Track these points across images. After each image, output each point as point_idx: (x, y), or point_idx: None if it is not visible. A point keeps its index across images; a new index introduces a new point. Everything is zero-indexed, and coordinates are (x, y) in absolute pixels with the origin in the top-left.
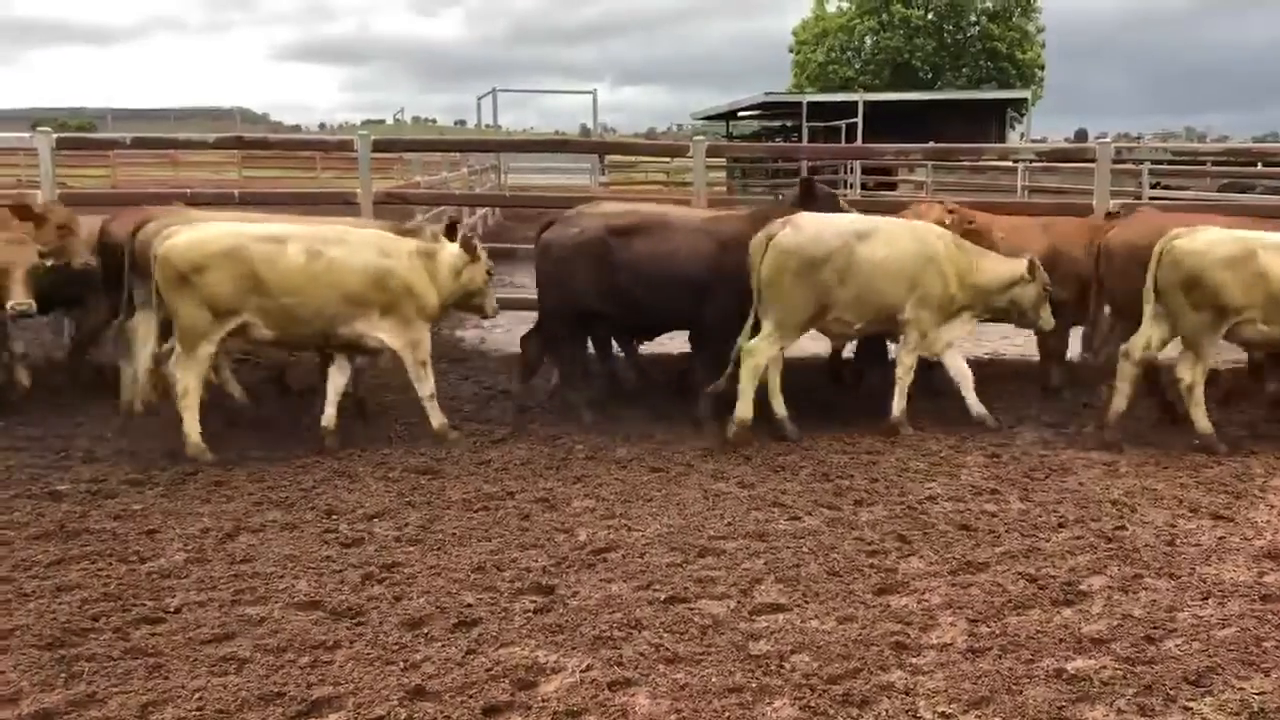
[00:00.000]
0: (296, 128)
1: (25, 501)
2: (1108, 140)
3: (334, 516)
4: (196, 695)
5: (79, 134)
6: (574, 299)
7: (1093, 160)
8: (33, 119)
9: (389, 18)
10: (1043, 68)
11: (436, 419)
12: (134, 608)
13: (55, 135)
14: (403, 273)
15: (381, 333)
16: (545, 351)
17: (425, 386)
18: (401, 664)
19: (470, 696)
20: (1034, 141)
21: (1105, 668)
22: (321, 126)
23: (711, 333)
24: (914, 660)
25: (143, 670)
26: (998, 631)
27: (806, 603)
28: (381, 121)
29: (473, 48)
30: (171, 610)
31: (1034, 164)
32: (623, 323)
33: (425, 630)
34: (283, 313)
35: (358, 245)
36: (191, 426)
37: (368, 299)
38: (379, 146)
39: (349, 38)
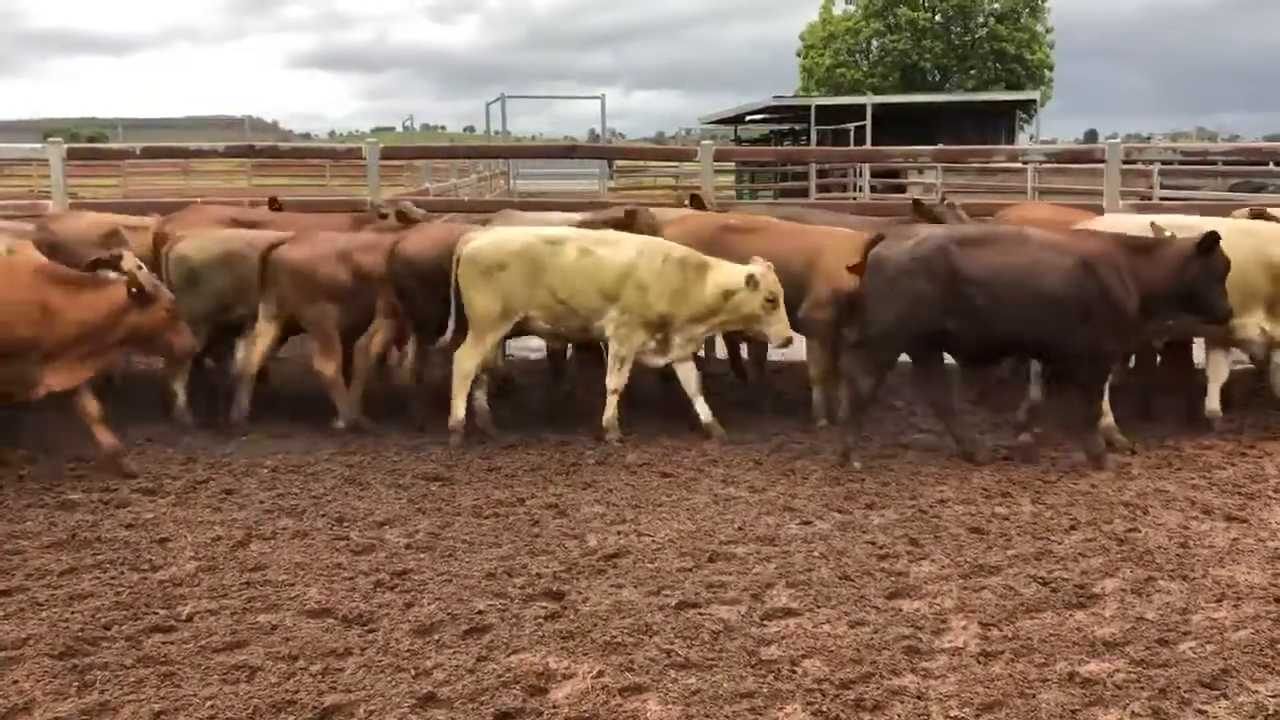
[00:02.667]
0: (306, 136)
1: (38, 511)
2: (1117, 141)
3: (345, 524)
4: (209, 703)
5: (90, 144)
6: (914, 318)
7: (1102, 161)
8: (44, 130)
9: (406, 25)
10: (1051, 68)
11: (611, 412)
12: (146, 616)
13: (66, 146)
14: (643, 274)
15: (607, 321)
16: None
17: (615, 380)
18: (413, 671)
19: (481, 703)
20: (1044, 143)
21: (1119, 671)
22: (332, 135)
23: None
24: (926, 664)
25: (155, 679)
26: (1010, 635)
27: (818, 607)
28: (391, 129)
29: (489, 54)
30: (183, 618)
31: (1043, 165)
32: (967, 345)
33: (436, 637)
34: (559, 306)
35: (623, 247)
36: (458, 407)
37: (613, 293)
38: (388, 154)
39: (366, 46)
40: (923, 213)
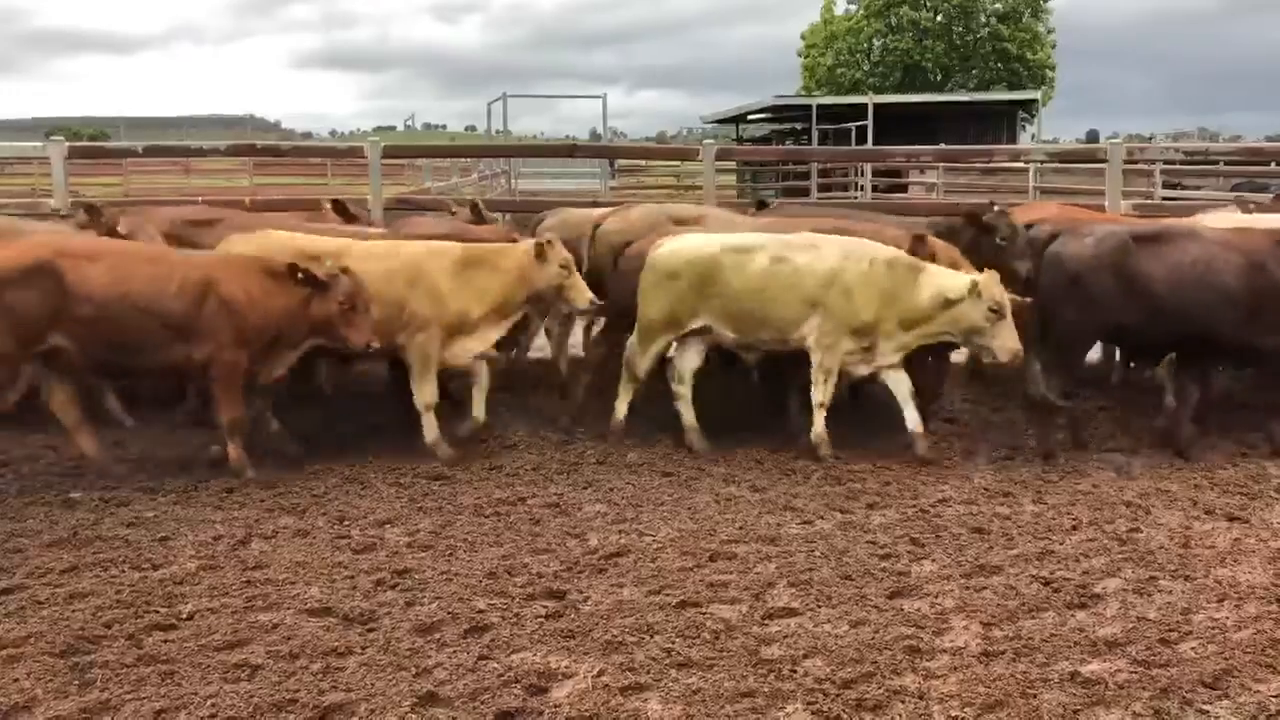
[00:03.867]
0: (308, 135)
1: (39, 509)
2: (1119, 141)
3: (345, 523)
4: (209, 702)
5: (91, 143)
6: (1096, 315)
7: (1104, 161)
8: (47, 129)
9: (409, 25)
10: (1053, 69)
11: (819, 427)
12: (147, 615)
13: (68, 144)
14: (849, 277)
15: (809, 329)
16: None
17: (820, 393)
18: (413, 670)
19: (482, 702)
20: (1045, 143)
21: (1120, 671)
22: (333, 134)
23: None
24: (927, 664)
25: (156, 677)
26: (1011, 635)
27: (819, 607)
28: (393, 128)
29: (493, 54)
30: (184, 617)
31: (1045, 165)
32: (1140, 340)
33: (437, 636)
34: (746, 317)
35: (825, 252)
36: (621, 409)
37: (816, 300)
38: (389, 153)
39: (369, 45)
40: (973, 219)
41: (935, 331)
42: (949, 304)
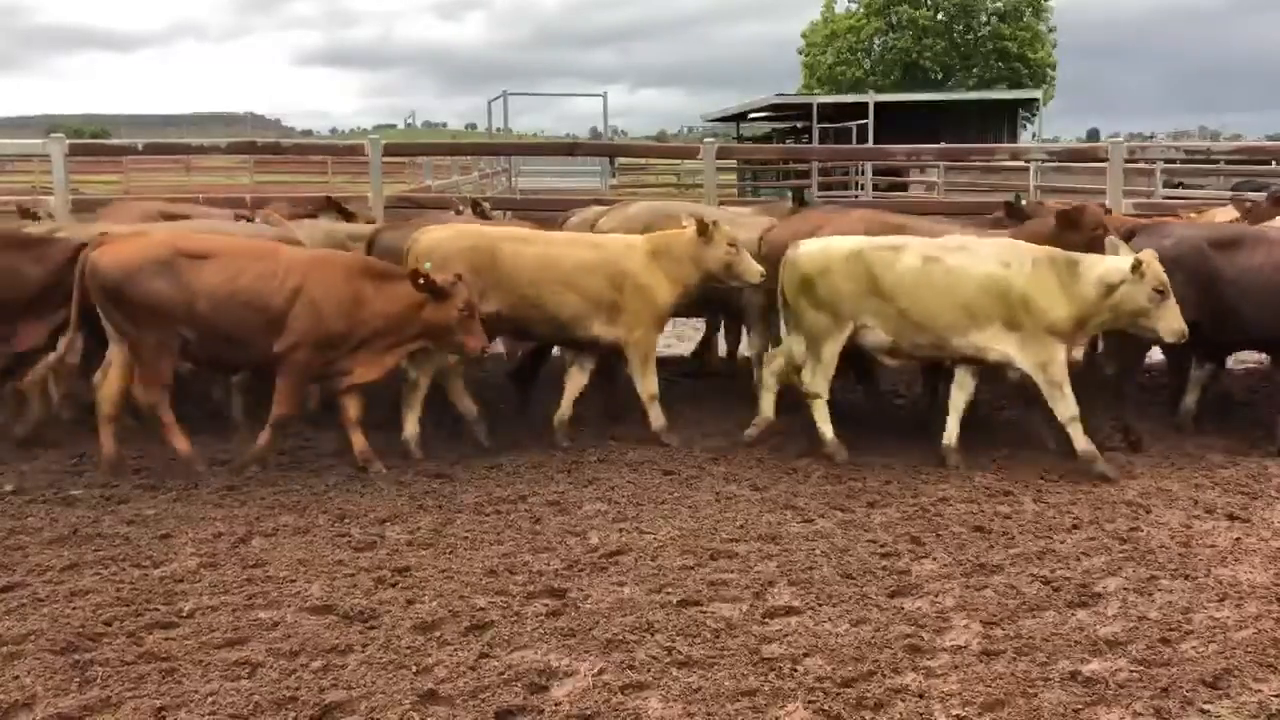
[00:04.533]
0: (308, 133)
1: (39, 507)
2: (1120, 140)
3: (346, 520)
4: (210, 700)
5: (92, 140)
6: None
7: (1105, 160)
8: (48, 126)
9: (412, 23)
10: (1054, 67)
11: (1081, 443)
12: (147, 612)
13: (68, 141)
14: (1021, 284)
15: (1006, 347)
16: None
17: (1063, 408)
18: (414, 668)
19: (483, 700)
20: (1046, 142)
21: (1121, 670)
22: (334, 131)
23: None
24: (928, 663)
25: (156, 675)
26: (1012, 634)
27: (819, 605)
28: (393, 126)
29: (495, 52)
30: (184, 615)
31: (1046, 164)
32: (1209, 339)
33: (437, 634)
34: (899, 319)
35: (979, 254)
36: (823, 426)
37: (985, 311)
38: (390, 151)
39: (371, 43)
40: (1016, 214)
41: (1101, 322)
42: (1111, 290)
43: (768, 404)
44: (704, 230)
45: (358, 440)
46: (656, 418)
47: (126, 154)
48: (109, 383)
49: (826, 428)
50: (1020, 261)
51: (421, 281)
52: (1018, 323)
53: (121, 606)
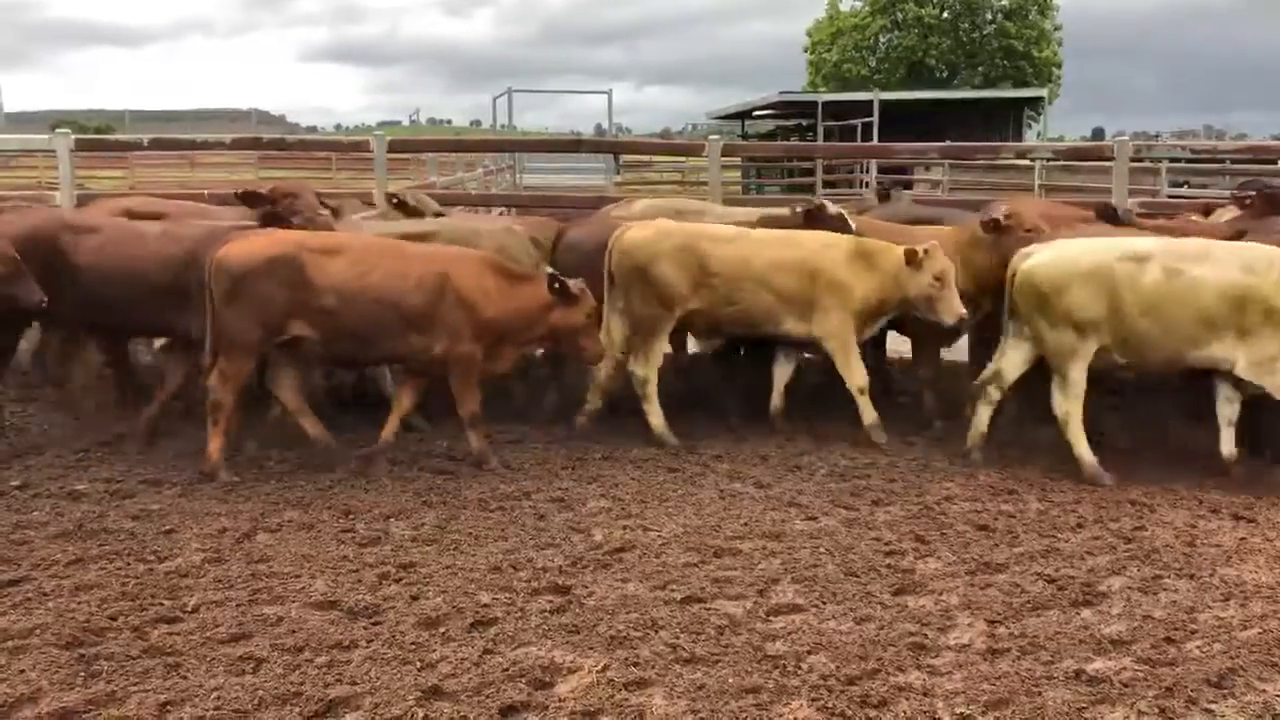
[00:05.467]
0: (313, 129)
1: (45, 501)
2: (1125, 139)
3: (351, 516)
4: (214, 694)
5: (97, 136)
6: None
7: (1110, 159)
8: (54, 121)
9: (419, 19)
10: (1060, 66)
11: None
12: (152, 607)
13: (74, 137)
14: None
15: (1239, 355)
16: None
17: None
18: (418, 664)
19: (487, 696)
20: (1051, 140)
21: (1125, 669)
22: (338, 128)
23: None
24: (932, 661)
25: (161, 669)
26: (1016, 632)
27: (823, 603)
28: (398, 123)
29: (502, 49)
30: (189, 610)
31: (1051, 163)
32: None
33: (442, 630)
34: (1138, 336)
35: (1221, 262)
36: (1080, 449)
37: (1225, 322)
38: (394, 147)
39: (378, 39)
40: (1105, 216)
41: None
42: None
43: (983, 419)
44: (913, 257)
45: (390, 430)
46: (867, 413)
47: (131, 150)
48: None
49: (1084, 449)
50: (1272, 266)
51: (556, 285)
52: (1247, 329)
53: (126, 601)
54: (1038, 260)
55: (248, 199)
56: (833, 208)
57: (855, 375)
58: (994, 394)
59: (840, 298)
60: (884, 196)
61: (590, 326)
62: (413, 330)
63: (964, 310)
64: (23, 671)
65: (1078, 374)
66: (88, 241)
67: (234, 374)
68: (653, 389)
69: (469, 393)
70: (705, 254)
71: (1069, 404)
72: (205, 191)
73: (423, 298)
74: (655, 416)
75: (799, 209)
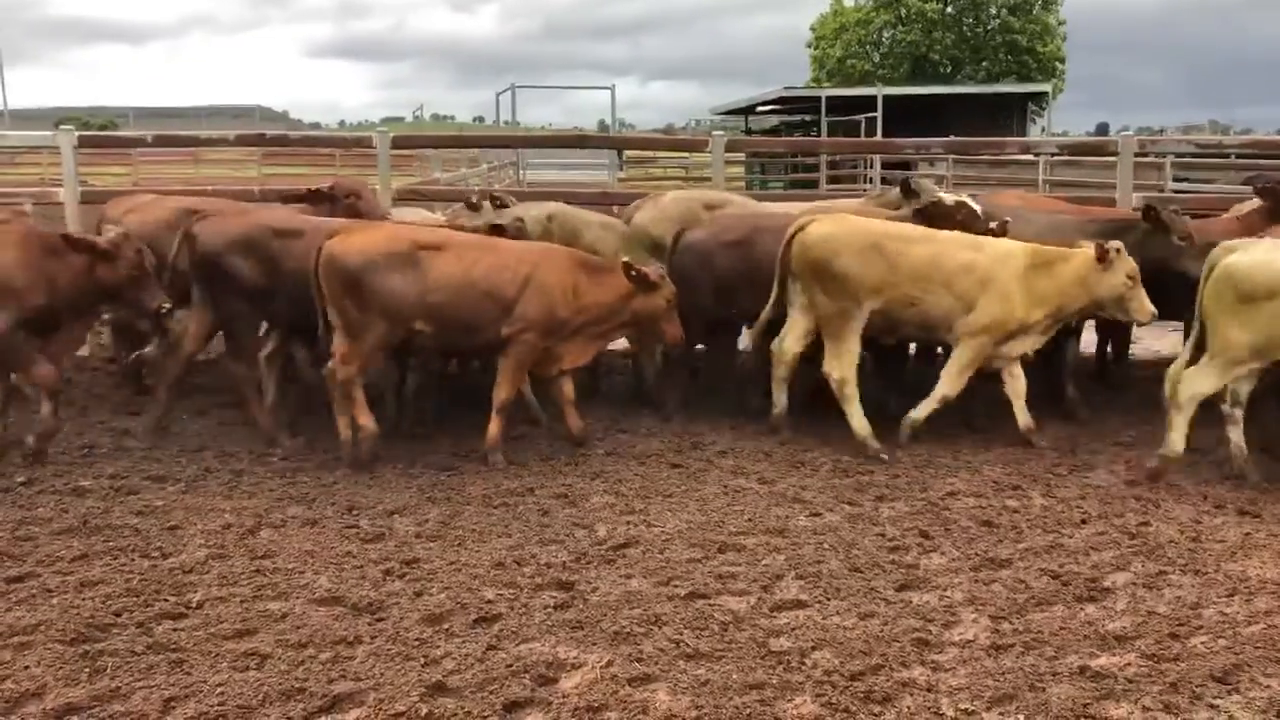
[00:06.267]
0: (316, 125)
1: (49, 497)
2: (1130, 134)
3: (354, 512)
4: (218, 690)
5: (101, 132)
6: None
7: (1115, 154)
8: (57, 118)
9: (425, 15)
10: (1064, 61)
11: None
12: (156, 603)
13: (78, 134)
14: None
15: None
16: None
17: None
18: (422, 660)
19: (491, 692)
20: (1055, 135)
21: (1130, 665)
22: (342, 124)
23: None
24: (936, 657)
25: (165, 665)
26: (1020, 628)
27: (827, 599)
28: (401, 119)
29: (507, 44)
30: (193, 606)
31: (1055, 158)
32: None
33: (446, 626)
34: None
35: None
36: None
37: None
38: (398, 143)
39: (383, 35)
40: (1152, 216)
41: None
42: None
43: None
44: (1104, 256)
45: (573, 420)
46: (1022, 416)
47: (135, 146)
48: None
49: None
50: None
51: (633, 274)
52: None
53: (131, 597)
54: (1241, 259)
55: (314, 197)
56: (950, 198)
57: (956, 384)
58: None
59: (1005, 306)
60: (906, 189)
61: (670, 312)
62: (504, 320)
63: (1154, 309)
64: (27, 667)
65: (1235, 371)
66: (296, 246)
67: (358, 362)
68: (852, 389)
69: (510, 381)
70: (894, 253)
71: (1206, 386)
72: (209, 188)
73: (514, 290)
74: (856, 419)
75: (912, 204)
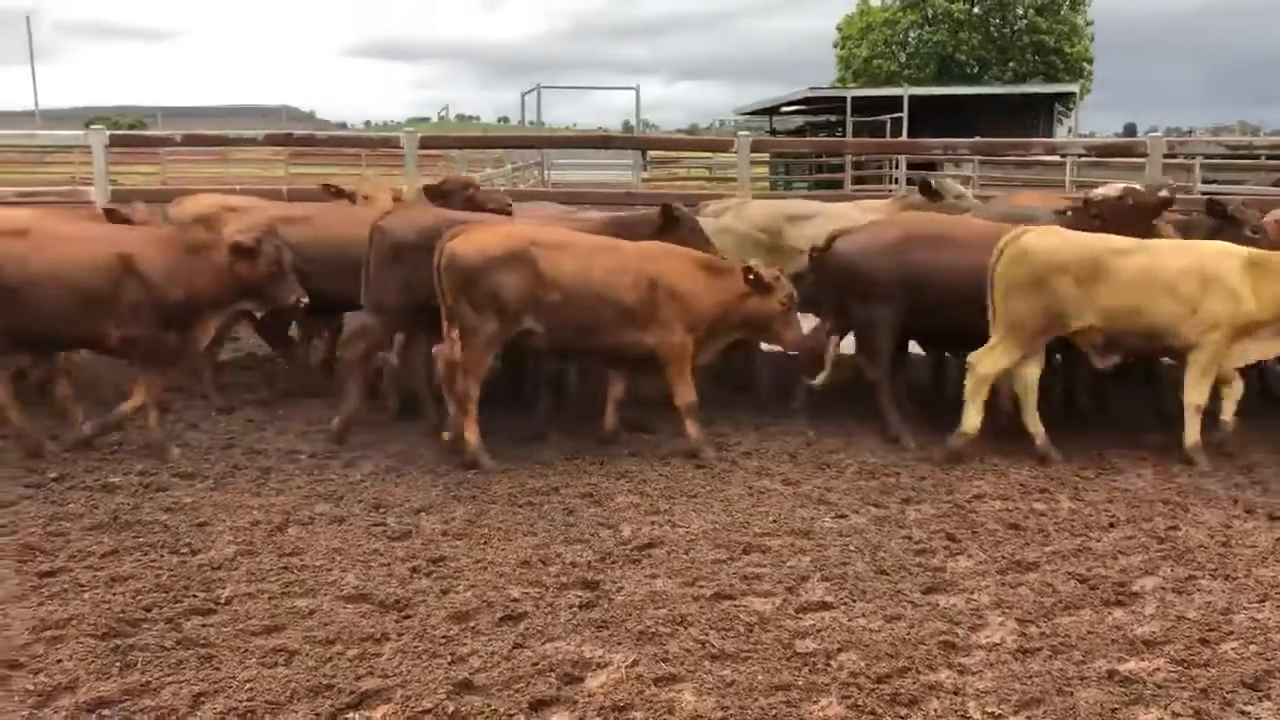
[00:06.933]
0: (342, 125)
1: (80, 493)
2: (1159, 134)
3: (381, 510)
4: (247, 686)
5: (132, 132)
6: None
7: (1144, 155)
8: (85, 117)
9: (453, 15)
10: (1091, 61)
11: None
12: (185, 599)
13: (109, 133)
14: None
15: None
16: None
17: None
18: (449, 657)
19: (517, 690)
20: (1082, 136)
21: (1159, 670)
22: (368, 124)
23: None
24: (963, 660)
25: (194, 660)
26: (1048, 632)
27: (853, 601)
28: (427, 119)
29: (535, 44)
30: (222, 602)
31: (1082, 159)
32: None
33: (472, 624)
34: None
35: None
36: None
37: None
38: (425, 143)
39: (411, 35)
40: (1218, 213)
41: None
42: None
43: None
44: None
45: (611, 419)
46: (1193, 431)
47: (165, 145)
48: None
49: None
50: None
51: (751, 275)
52: None
53: (160, 593)
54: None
55: (431, 193)
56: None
57: (1203, 392)
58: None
59: (1224, 306)
60: (927, 190)
61: (786, 314)
62: (627, 324)
63: None
64: (60, 661)
65: None
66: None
67: (475, 365)
68: (1033, 398)
69: (683, 384)
70: (1109, 268)
71: None
72: (236, 187)
73: (637, 293)
74: (1033, 425)
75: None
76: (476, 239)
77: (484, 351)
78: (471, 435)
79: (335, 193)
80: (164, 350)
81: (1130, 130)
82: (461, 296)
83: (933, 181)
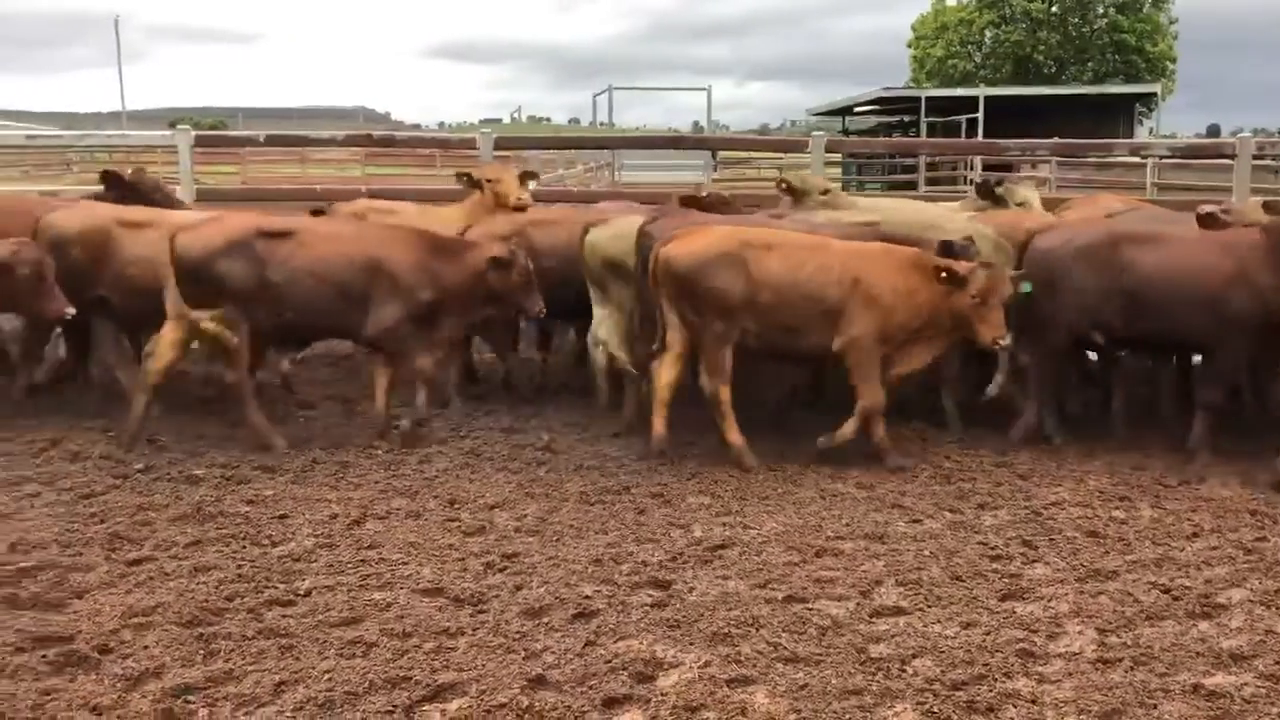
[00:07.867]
0: (416, 126)
1: (165, 484)
2: (1248, 135)
3: (456, 506)
4: (326, 676)
5: (215, 132)
6: None
7: (1232, 156)
8: (165, 119)
9: (528, 17)
10: (1174, 60)
11: None
12: (266, 589)
13: (194, 133)
14: None
15: None
16: None
17: None
18: (523, 653)
19: (590, 687)
20: (1164, 138)
21: (1247, 685)
22: (441, 125)
23: None
24: (1040, 669)
25: (275, 650)
26: (1129, 642)
27: (928, 606)
28: (498, 120)
29: (609, 45)
30: (302, 593)
31: (1164, 161)
32: None
33: (545, 620)
34: None
35: None
36: None
37: None
38: (501, 144)
39: (488, 37)
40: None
41: None
42: None
43: None
44: None
45: (733, 434)
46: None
47: (248, 146)
48: (665, 370)
49: None
50: None
51: (941, 271)
52: None
53: (242, 583)
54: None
55: (687, 202)
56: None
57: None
58: None
59: None
60: (984, 191)
61: (981, 309)
62: (827, 324)
63: None
64: (147, 647)
65: None
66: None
67: (716, 367)
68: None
69: (869, 387)
70: None
71: None
72: (317, 187)
73: (840, 293)
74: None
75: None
76: (691, 242)
77: (719, 352)
78: (734, 436)
79: (470, 181)
80: (404, 343)
81: (1214, 132)
82: (681, 299)
83: (991, 182)
